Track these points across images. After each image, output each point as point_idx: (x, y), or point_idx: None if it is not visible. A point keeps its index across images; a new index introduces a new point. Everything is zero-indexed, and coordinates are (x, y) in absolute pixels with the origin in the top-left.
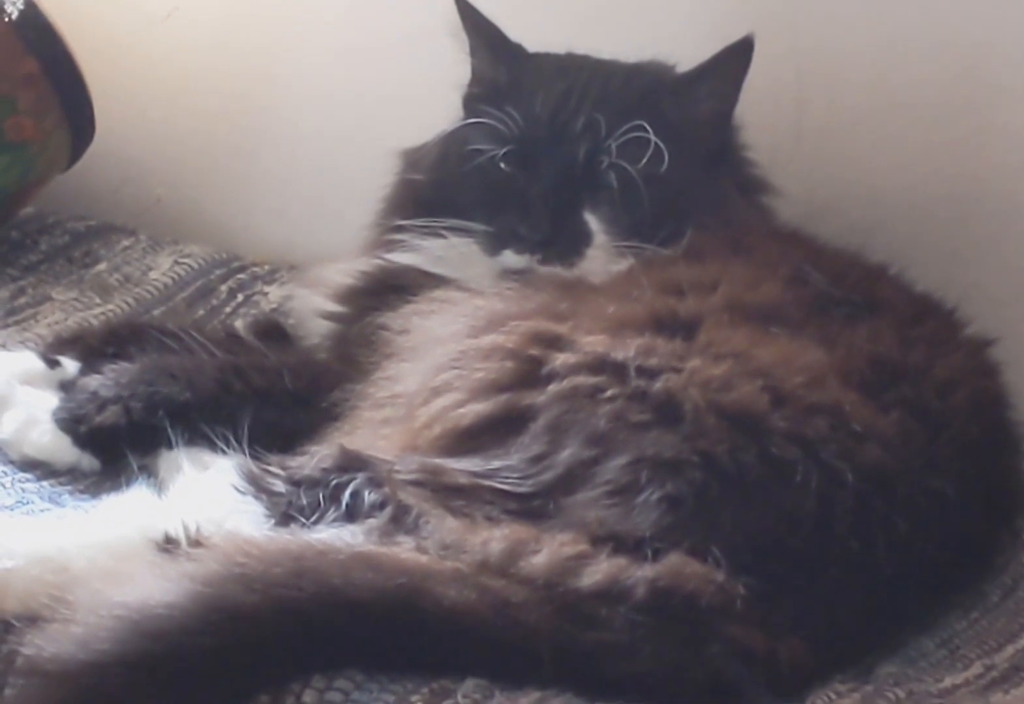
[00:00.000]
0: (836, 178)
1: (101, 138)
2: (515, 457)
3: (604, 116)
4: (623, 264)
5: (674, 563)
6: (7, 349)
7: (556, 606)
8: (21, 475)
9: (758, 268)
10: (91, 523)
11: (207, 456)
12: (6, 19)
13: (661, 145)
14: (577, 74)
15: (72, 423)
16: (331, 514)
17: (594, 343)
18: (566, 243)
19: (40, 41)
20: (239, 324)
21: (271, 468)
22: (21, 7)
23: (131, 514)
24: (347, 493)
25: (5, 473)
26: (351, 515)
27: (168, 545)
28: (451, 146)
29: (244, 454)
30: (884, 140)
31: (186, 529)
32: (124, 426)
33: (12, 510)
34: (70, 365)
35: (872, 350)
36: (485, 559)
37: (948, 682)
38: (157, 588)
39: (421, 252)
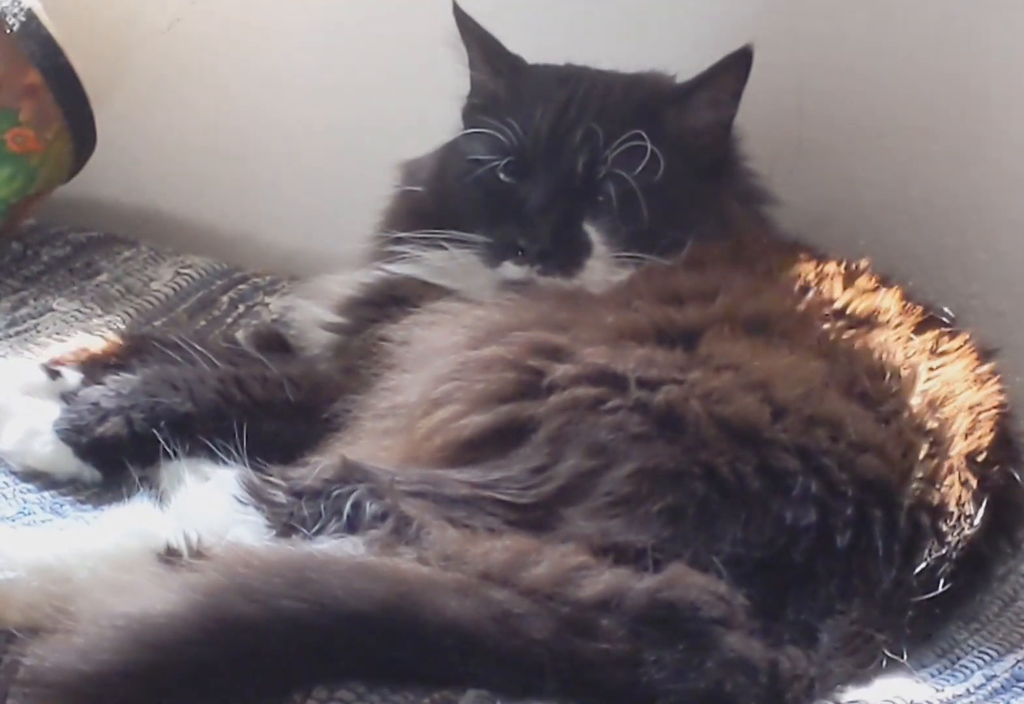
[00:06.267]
0: (837, 188)
1: (102, 149)
2: (516, 468)
3: (602, 127)
4: (623, 274)
5: (675, 574)
6: (9, 360)
7: (557, 617)
8: (23, 486)
9: (759, 278)
10: (93, 534)
11: (208, 467)
12: (7, 31)
13: (659, 155)
14: (576, 85)
15: (73, 434)
16: (332, 525)
17: (594, 354)
18: (566, 254)
19: (41, 53)
20: (240, 335)
21: (272, 479)
22: (22, 19)
23: (133, 525)
24: (348, 504)
25: (7, 484)
26: (352, 526)
27: (169, 556)
28: (450, 157)
29: (245, 465)
30: (884, 150)
31: (187, 540)
32: (125, 437)
33: (14, 521)
34: (71, 376)
35: (872, 361)
36: (486, 570)
37: (949, 692)
38: (158, 598)
39: (421, 263)
